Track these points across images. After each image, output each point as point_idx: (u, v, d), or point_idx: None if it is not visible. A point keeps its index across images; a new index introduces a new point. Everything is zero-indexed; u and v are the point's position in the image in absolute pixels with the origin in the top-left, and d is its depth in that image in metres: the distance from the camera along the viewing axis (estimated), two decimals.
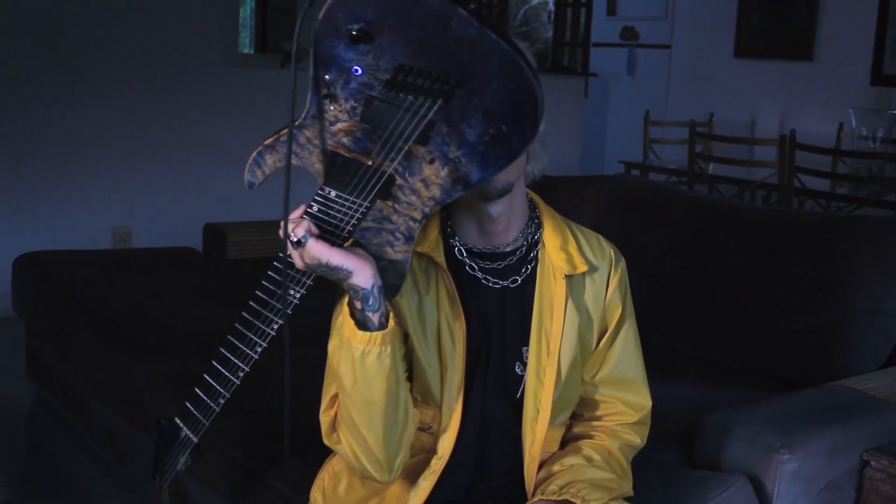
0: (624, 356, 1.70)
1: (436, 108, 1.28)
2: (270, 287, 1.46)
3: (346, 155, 1.34)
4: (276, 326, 1.49)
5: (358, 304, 1.38)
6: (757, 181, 5.45)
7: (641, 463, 1.83)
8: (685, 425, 2.22)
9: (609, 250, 1.69)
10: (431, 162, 1.32)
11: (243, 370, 1.56)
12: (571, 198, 3.36)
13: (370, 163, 1.33)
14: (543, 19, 11.10)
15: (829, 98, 6.58)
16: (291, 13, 5.41)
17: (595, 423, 1.72)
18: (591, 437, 1.70)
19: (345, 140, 1.33)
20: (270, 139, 1.37)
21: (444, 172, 1.32)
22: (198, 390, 1.64)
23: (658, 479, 1.99)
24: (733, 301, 2.78)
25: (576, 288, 1.62)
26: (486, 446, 1.63)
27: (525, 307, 1.60)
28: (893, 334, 2.57)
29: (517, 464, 1.63)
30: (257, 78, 5.30)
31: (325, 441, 1.56)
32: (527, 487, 1.62)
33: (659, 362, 2.57)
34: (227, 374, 1.58)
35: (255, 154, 1.37)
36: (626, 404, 1.71)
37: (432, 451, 1.59)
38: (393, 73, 1.28)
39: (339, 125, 1.33)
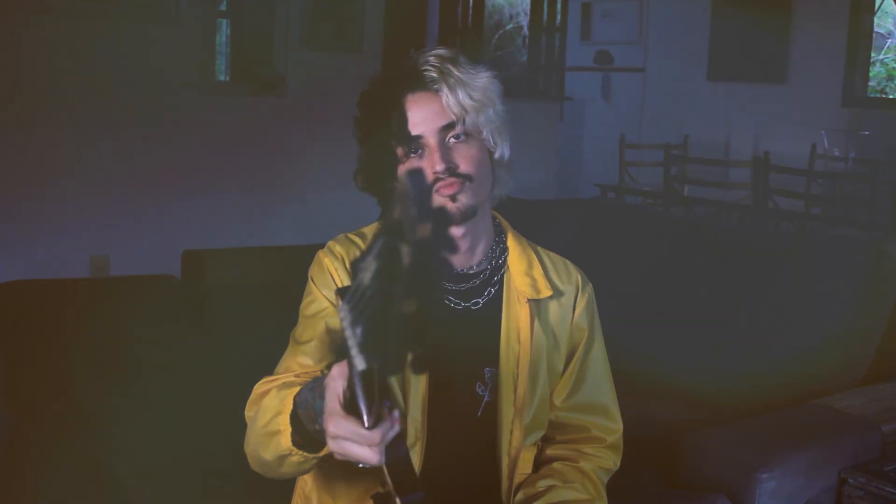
0: (594, 380, 1.71)
1: None
2: None
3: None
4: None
5: (308, 428, 1.31)
6: (732, 202, 5.50)
7: (622, 484, 1.84)
8: (665, 446, 2.23)
9: (576, 275, 1.70)
10: None
11: None
12: (548, 221, 3.37)
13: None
14: (518, 44, 11.18)
15: (801, 120, 6.65)
16: (268, 38, 5.44)
17: (569, 446, 1.72)
18: (564, 459, 1.70)
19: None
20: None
21: None
22: None
23: (638, 500, 2.00)
24: (709, 322, 2.79)
25: (542, 312, 1.64)
26: (452, 465, 1.62)
27: (487, 330, 1.61)
28: (868, 353, 2.60)
29: (491, 485, 1.63)
30: (234, 104, 5.30)
31: (246, 411, 1.52)
32: None
33: (637, 384, 2.58)
34: None
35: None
36: (598, 429, 1.72)
37: None
38: None
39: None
